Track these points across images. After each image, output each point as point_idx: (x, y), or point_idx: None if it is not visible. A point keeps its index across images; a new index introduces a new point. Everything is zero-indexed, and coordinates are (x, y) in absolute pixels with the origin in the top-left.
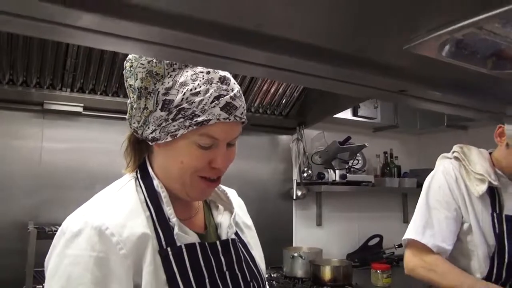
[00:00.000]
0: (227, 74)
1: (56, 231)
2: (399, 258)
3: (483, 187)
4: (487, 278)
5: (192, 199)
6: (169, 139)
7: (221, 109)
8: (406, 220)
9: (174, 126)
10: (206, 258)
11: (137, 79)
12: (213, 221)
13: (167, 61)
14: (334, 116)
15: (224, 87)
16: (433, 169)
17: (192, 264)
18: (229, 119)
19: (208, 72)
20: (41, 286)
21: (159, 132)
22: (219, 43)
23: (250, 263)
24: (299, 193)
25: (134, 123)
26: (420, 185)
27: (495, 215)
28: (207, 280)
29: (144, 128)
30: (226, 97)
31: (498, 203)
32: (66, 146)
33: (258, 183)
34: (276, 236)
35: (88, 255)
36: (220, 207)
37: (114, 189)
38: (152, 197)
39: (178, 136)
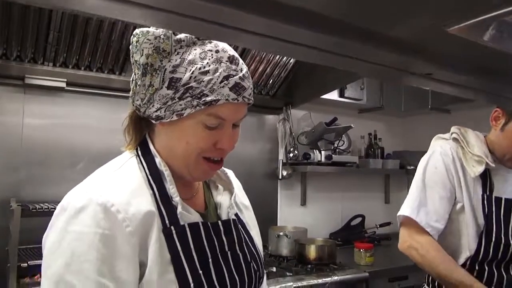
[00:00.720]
0: (235, 53)
1: (41, 209)
2: (380, 238)
3: (480, 168)
4: (475, 255)
5: (194, 179)
6: (175, 118)
7: (230, 89)
8: (388, 201)
9: (180, 105)
10: (209, 237)
11: (142, 55)
12: (213, 200)
13: (175, 38)
14: (321, 97)
15: (233, 67)
16: (416, 151)
17: (195, 243)
18: (238, 100)
19: (217, 51)
20: (26, 264)
21: (165, 111)
22: (216, 7)
23: (250, 243)
24: (285, 173)
25: (137, 100)
26: (402, 167)
27: (485, 196)
28: (210, 260)
29: (148, 106)
30: (235, 77)
31: (489, 185)
32: (48, 122)
33: (244, 163)
34: (261, 215)
35: (93, 232)
36: (220, 187)
37: (115, 167)
38: (155, 176)
39: (184, 115)
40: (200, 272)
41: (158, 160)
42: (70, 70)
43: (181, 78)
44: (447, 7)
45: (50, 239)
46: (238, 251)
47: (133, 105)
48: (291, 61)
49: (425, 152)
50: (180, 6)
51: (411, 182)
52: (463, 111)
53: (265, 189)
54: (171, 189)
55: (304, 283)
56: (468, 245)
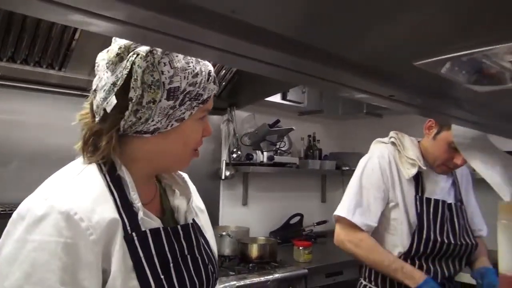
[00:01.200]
0: None
1: None
2: (317, 235)
3: (413, 171)
4: (408, 251)
5: (175, 171)
6: (176, 124)
7: (213, 83)
8: (324, 200)
9: (181, 110)
10: (170, 242)
11: (139, 79)
12: (169, 205)
13: (148, 49)
14: (265, 99)
15: (206, 62)
16: (351, 152)
17: (156, 248)
18: (217, 90)
19: None
20: None
21: (165, 121)
22: (178, 22)
23: (206, 246)
24: (228, 173)
25: (130, 121)
26: (338, 167)
27: (417, 197)
28: (171, 264)
29: (145, 123)
30: (211, 71)
31: (421, 187)
32: None
33: None
34: None
35: (55, 241)
36: (177, 191)
37: (74, 172)
38: (115, 182)
39: (186, 119)
40: (162, 277)
41: (118, 166)
42: (4, 63)
43: (179, 87)
44: (417, 45)
45: (6, 249)
46: (197, 255)
47: (122, 126)
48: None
49: (360, 153)
50: (145, 20)
51: (346, 182)
52: (393, 116)
53: (208, 189)
54: (133, 195)
55: (247, 281)
56: (401, 241)
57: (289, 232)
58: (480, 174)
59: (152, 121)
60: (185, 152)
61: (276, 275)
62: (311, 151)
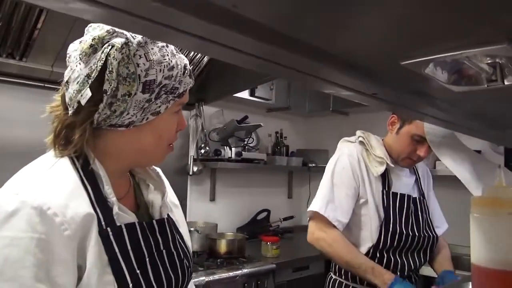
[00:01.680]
0: None
1: None
2: (284, 231)
3: (382, 168)
4: (376, 244)
5: (149, 166)
6: (151, 118)
7: (189, 76)
8: (290, 196)
9: (156, 104)
10: (145, 237)
11: (117, 68)
12: (143, 199)
13: (126, 41)
14: (233, 95)
15: (181, 56)
16: (317, 149)
17: (132, 243)
18: (192, 84)
19: (167, 46)
20: None
21: (141, 115)
22: (159, 6)
23: (181, 241)
24: (195, 169)
25: (105, 114)
26: (305, 164)
27: (384, 192)
28: (147, 259)
29: (119, 116)
30: (187, 64)
31: (387, 183)
32: None
33: None
34: None
35: (28, 237)
36: (151, 186)
37: (45, 166)
38: (88, 176)
39: (161, 112)
40: (138, 271)
41: (91, 160)
42: None
43: (155, 80)
44: (405, 45)
45: None
46: (173, 249)
47: (96, 119)
48: (204, 59)
49: (326, 150)
50: (124, 3)
51: (313, 178)
52: (359, 114)
53: (175, 184)
54: (107, 189)
55: (216, 277)
56: (371, 235)
57: (256, 228)
58: (451, 170)
59: (127, 114)
60: (160, 146)
61: (245, 270)
62: (278, 147)
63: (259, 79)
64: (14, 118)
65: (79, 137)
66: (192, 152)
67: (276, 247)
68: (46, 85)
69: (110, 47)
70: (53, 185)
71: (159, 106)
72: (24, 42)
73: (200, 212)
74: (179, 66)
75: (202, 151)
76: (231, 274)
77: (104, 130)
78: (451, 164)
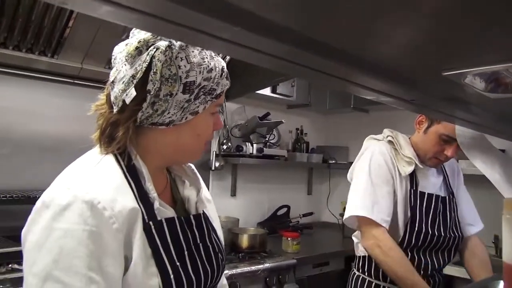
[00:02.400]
0: None
1: None
2: (303, 227)
3: (410, 168)
4: (401, 243)
5: (186, 163)
6: (190, 117)
7: (226, 78)
8: (310, 192)
9: (195, 104)
10: (184, 231)
11: (158, 73)
12: (179, 195)
13: (168, 43)
14: (255, 92)
15: (219, 58)
16: (336, 146)
17: (172, 237)
18: (229, 86)
19: (206, 49)
20: None
21: (180, 114)
22: (193, 13)
23: (214, 235)
24: (217, 164)
25: (148, 112)
26: (325, 161)
27: (412, 191)
28: (186, 252)
29: (162, 115)
30: (224, 67)
31: (415, 182)
32: None
33: None
34: None
35: (81, 229)
36: (187, 182)
37: (93, 162)
38: (131, 172)
39: (200, 112)
40: (178, 264)
41: (134, 157)
42: None
43: (194, 81)
44: (447, 57)
45: (33, 236)
46: (208, 243)
47: (139, 118)
48: (227, 57)
49: (346, 147)
50: (160, 10)
51: (332, 175)
52: (379, 112)
53: None
54: (149, 185)
55: (239, 270)
56: (396, 233)
57: (276, 223)
58: (482, 172)
59: (168, 113)
60: (198, 144)
61: (267, 265)
62: (298, 144)
63: (281, 77)
64: (45, 113)
65: (123, 134)
66: (214, 148)
67: (297, 243)
68: (75, 81)
69: (155, 50)
70: (101, 180)
71: (198, 106)
72: (56, 40)
73: (221, 207)
74: (217, 68)
75: (224, 147)
76: (253, 268)
77: (146, 128)
78: (481, 166)
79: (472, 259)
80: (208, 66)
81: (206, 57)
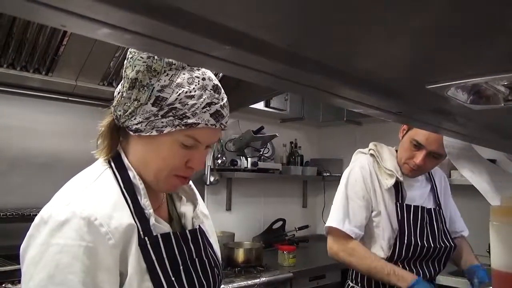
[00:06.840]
0: (219, 83)
1: None
2: (299, 240)
3: (391, 181)
4: (391, 257)
5: (161, 191)
6: (154, 133)
7: (211, 115)
8: (305, 205)
9: (162, 122)
10: (179, 246)
11: (133, 70)
12: (176, 211)
13: (167, 60)
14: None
15: (216, 95)
16: (331, 158)
17: (167, 252)
18: (216, 126)
19: (203, 79)
20: None
21: (145, 125)
22: (190, 35)
23: (211, 250)
24: (212, 178)
25: (120, 110)
26: (319, 173)
27: (398, 204)
28: (181, 267)
29: (129, 118)
30: (217, 105)
31: (401, 194)
32: None
33: None
34: None
35: (77, 245)
36: (184, 198)
37: (91, 178)
38: (128, 188)
39: (164, 132)
40: (173, 278)
41: (132, 174)
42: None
43: (167, 98)
44: (431, 70)
45: (31, 252)
46: (204, 258)
47: (113, 114)
48: (220, 73)
49: (340, 160)
50: (158, 32)
51: (327, 187)
52: (372, 124)
53: None
54: (145, 202)
55: (235, 285)
56: (384, 247)
57: (272, 237)
58: (470, 181)
59: (135, 119)
60: (162, 171)
61: (263, 279)
62: (293, 157)
63: (274, 91)
64: (39, 130)
65: (105, 133)
66: (209, 162)
67: (293, 256)
68: (70, 98)
69: (138, 55)
70: (99, 196)
71: (164, 126)
72: (50, 57)
73: (216, 221)
74: (201, 100)
75: (219, 161)
76: (249, 282)
77: (131, 136)
78: (470, 175)
79: (458, 253)
80: (190, 92)
81: (195, 84)
